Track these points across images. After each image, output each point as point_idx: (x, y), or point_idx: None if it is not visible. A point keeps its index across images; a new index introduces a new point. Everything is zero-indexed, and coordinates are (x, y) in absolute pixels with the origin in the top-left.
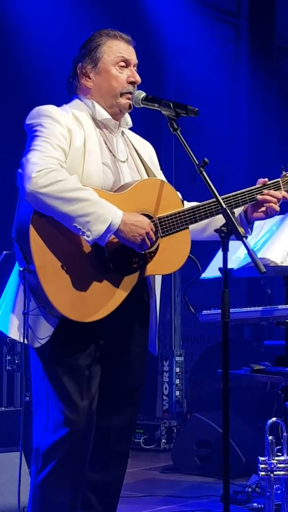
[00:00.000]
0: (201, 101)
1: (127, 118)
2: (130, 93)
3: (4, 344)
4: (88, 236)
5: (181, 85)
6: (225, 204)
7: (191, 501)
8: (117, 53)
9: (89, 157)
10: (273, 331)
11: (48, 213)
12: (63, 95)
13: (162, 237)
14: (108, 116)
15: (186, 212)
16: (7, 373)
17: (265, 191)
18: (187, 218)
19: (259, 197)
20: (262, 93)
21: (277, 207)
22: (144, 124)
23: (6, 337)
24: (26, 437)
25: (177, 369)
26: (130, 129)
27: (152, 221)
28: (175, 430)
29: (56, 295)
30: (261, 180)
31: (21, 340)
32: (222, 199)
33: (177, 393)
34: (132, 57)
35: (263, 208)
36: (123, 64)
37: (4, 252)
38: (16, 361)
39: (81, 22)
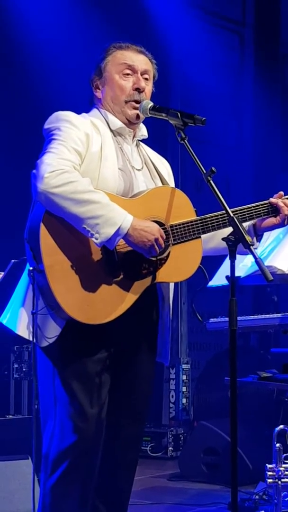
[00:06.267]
0: (206, 109)
1: (143, 129)
2: (136, 101)
3: (12, 352)
4: (96, 239)
5: (187, 94)
6: (239, 216)
7: (198, 508)
8: (121, 61)
9: (105, 162)
10: (279, 339)
11: (59, 214)
12: (79, 104)
13: (173, 244)
14: (122, 125)
15: (198, 222)
16: (14, 381)
17: (281, 199)
18: (199, 227)
19: (272, 200)
20: (267, 101)
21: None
22: (150, 133)
23: (14, 345)
24: (33, 444)
25: (184, 377)
26: (144, 142)
27: (163, 229)
28: (182, 438)
29: (63, 296)
30: (276, 195)
31: (30, 338)
32: (237, 211)
33: (184, 400)
34: (138, 63)
35: (273, 219)
36: (128, 71)
37: (12, 261)
38: (24, 369)
39: (89, 32)
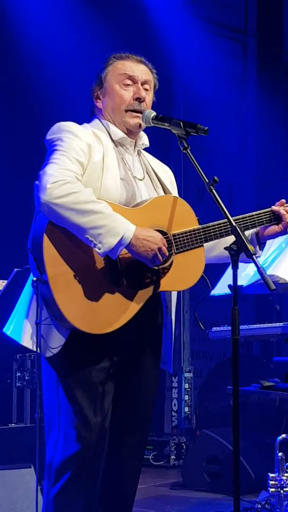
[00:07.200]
0: (209, 118)
1: (144, 138)
2: (136, 110)
3: (14, 361)
4: (99, 248)
5: (190, 102)
6: (241, 224)
7: None
8: (121, 71)
9: (107, 172)
10: (282, 348)
11: (62, 224)
12: (80, 111)
13: (176, 253)
14: (123, 135)
15: (201, 230)
16: (17, 390)
17: (283, 207)
18: (202, 236)
19: (274, 208)
20: (270, 109)
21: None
22: (153, 141)
23: (16, 354)
24: (36, 453)
25: (186, 385)
26: (146, 149)
27: (166, 237)
28: (184, 447)
29: (67, 306)
30: (278, 203)
31: (34, 349)
32: (239, 219)
33: (186, 409)
34: (138, 73)
35: (275, 226)
36: (128, 82)
37: (15, 269)
38: (26, 378)
39: (91, 41)
